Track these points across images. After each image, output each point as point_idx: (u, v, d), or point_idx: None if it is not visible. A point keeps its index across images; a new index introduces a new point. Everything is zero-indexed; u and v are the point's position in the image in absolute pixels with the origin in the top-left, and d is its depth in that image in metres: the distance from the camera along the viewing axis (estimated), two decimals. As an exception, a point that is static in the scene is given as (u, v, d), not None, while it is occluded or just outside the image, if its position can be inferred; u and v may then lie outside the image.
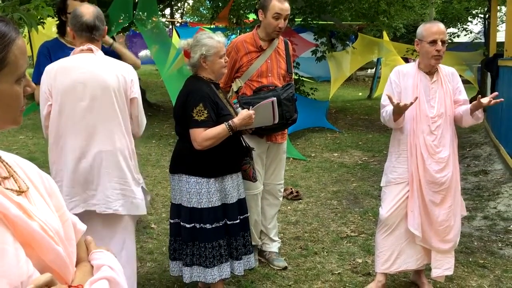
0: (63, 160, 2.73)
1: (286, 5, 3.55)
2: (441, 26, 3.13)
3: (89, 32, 2.71)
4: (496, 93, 3.11)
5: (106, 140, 2.69)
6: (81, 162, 2.69)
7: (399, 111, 3.01)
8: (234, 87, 3.63)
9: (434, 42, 3.07)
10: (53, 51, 3.35)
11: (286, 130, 3.83)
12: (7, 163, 1.10)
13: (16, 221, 0.97)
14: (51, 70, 2.71)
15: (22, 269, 0.95)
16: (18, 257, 0.95)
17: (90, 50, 2.72)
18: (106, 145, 2.69)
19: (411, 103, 2.97)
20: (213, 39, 3.04)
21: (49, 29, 7.72)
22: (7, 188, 1.03)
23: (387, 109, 3.16)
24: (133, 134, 2.87)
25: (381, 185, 3.37)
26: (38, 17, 3.59)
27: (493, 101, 2.98)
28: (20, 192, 1.06)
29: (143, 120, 2.92)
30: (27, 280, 0.95)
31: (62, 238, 1.09)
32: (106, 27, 2.84)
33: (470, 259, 3.95)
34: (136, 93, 2.80)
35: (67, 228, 1.13)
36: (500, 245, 4.25)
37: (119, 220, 2.80)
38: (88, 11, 2.73)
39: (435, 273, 3.28)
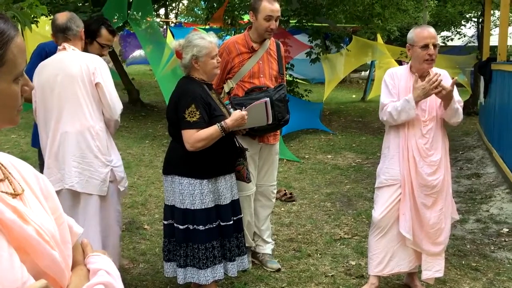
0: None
1: (277, 6, 3.55)
2: (431, 30, 3.13)
3: (62, 32, 3.10)
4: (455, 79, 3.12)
5: (68, 122, 3.00)
6: (53, 145, 3.03)
7: (423, 93, 2.99)
8: (226, 88, 3.62)
9: (426, 46, 3.07)
10: (51, 54, 3.38)
11: (278, 131, 3.83)
12: (2, 165, 1.08)
13: (11, 225, 0.95)
14: (37, 69, 3.09)
15: (17, 275, 0.92)
16: (12, 262, 0.92)
17: (64, 48, 3.08)
18: (69, 127, 2.99)
19: (437, 77, 2.97)
20: (205, 40, 3.02)
21: (43, 27, 7.67)
22: (2, 191, 1.00)
23: (392, 105, 3.10)
24: (107, 117, 3.10)
25: (375, 186, 3.38)
26: (32, 16, 3.57)
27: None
28: (15, 195, 1.04)
29: (115, 103, 3.09)
30: (22, 286, 0.92)
31: (58, 242, 1.07)
32: (82, 29, 3.16)
33: (463, 262, 3.96)
34: (100, 78, 3.01)
35: (63, 231, 1.11)
36: (492, 248, 4.27)
37: (79, 199, 3.04)
38: (62, 16, 3.14)
39: (426, 275, 3.28)
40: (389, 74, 3.25)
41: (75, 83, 2.97)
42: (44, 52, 3.52)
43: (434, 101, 3.16)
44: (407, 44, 3.20)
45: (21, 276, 0.93)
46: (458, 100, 3.19)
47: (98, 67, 3.02)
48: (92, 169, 3.02)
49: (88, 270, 1.14)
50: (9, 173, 1.08)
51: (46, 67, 3.05)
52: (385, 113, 3.16)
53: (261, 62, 3.63)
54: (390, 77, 3.23)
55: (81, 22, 3.18)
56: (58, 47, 3.12)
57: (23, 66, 1.04)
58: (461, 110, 3.15)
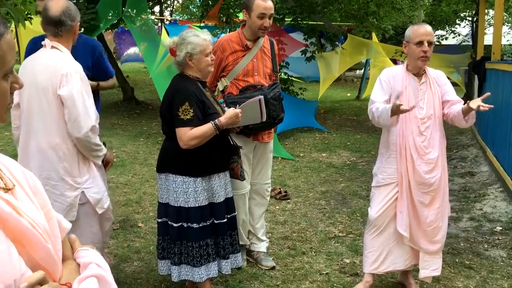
0: None
1: (270, 4, 3.54)
2: (428, 28, 3.16)
3: (53, 26, 2.73)
4: (487, 94, 3.09)
5: (35, 138, 2.70)
6: (23, 159, 2.72)
7: (396, 111, 2.96)
8: (220, 86, 3.61)
9: (420, 43, 3.09)
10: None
11: (272, 129, 3.83)
12: None
13: (8, 218, 0.95)
14: (19, 70, 2.78)
15: (15, 267, 0.93)
16: (10, 255, 0.93)
17: (45, 46, 2.75)
18: (35, 143, 2.70)
19: (411, 108, 2.93)
20: (199, 37, 3.01)
21: (37, 24, 7.61)
22: None
23: (377, 106, 3.11)
24: (69, 133, 2.69)
25: (372, 185, 3.38)
26: (26, 12, 3.54)
27: (482, 108, 2.92)
28: (6, 189, 1.04)
29: (79, 118, 2.63)
30: (20, 278, 0.93)
31: (50, 235, 1.08)
32: (78, 22, 2.79)
33: (457, 260, 3.97)
34: (65, 89, 2.62)
35: (52, 226, 1.12)
36: (486, 246, 4.29)
37: None
38: (56, 5, 2.74)
39: (423, 273, 3.29)
40: (386, 73, 3.26)
41: (42, 95, 2.65)
42: (41, 46, 3.35)
43: (432, 99, 3.17)
44: (404, 41, 3.21)
45: (19, 268, 0.94)
46: (458, 99, 3.21)
47: (66, 75, 2.62)
48: (57, 192, 2.69)
49: (78, 264, 1.15)
50: None
51: (25, 68, 2.76)
52: (370, 111, 3.19)
53: (255, 60, 3.62)
54: (386, 76, 3.24)
55: (77, 13, 2.78)
56: (42, 42, 2.78)
57: (12, 63, 1.03)
58: (474, 118, 3.14)
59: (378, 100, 3.15)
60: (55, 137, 2.68)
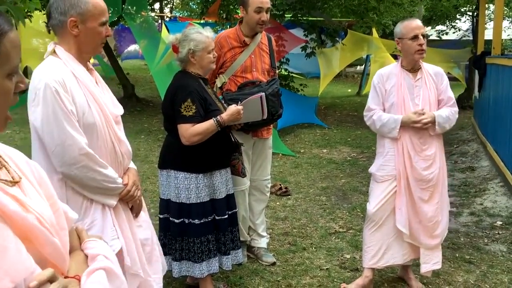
0: None
1: None
2: (418, 21, 3.18)
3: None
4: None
5: None
6: None
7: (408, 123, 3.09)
8: (218, 83, 3.62)
9: (415, 37, 3.10)
10: None
11: (271, 125, 3.84)
12: None
13: (14, 216, 0.95)
14: None
15: (25, 265, 0.93)
16: (19, 253, 0.93)
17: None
18: None
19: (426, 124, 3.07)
20: (202, 34, 3.03)
21: (36, 22, 7.62)
22: (1, 179, 1.01)
23: (380, 114, 3.19)
24: None
25: (371, 182, 3.39)
26: (26, 10, 3.54)
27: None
28: (14, 182, 1.03)
29: (53, 148, 2.01)
30: (30, 276, 0.93)
31: (57, 228, 1.07)
32: (73, 18, 2.02)
33: (457, 255, 3.99)
34: (32, 115, 2.02)
35: (59, 218, 1.11)
36: (486, 241, 4.30)
37: None
38: None
39: (424, 268, 3.30)
40: (378, 76, 3.27)
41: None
42: None
43: (427, 95, 3.18)
44: (396, 39, 3.21)
45: (29, 266, 0.94)
46: (449, 96, 3.22)
47: (34, 96, 1.99)
48: None
49: (86, 255, 1.14)
50: (5, 161, 1.08)
51: None
52: (370, 118, 3.27)
53: (253, 56, 3.63)
54: (379, 79, 3.25)
55: (74, 6, 2.03)
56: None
57: (17, 62, 1.02)
58: (452, 114, 3.19)
59: (375, 108, 3.22)
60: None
